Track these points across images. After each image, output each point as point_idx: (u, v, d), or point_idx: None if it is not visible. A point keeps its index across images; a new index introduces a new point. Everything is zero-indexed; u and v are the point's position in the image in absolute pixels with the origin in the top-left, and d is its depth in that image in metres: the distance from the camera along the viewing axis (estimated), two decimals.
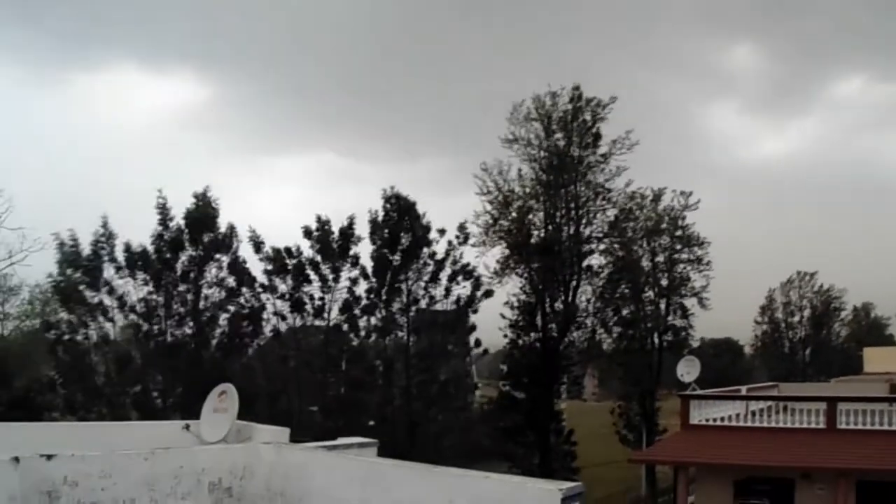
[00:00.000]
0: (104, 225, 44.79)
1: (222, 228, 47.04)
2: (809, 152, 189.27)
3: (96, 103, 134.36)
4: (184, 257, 45.98)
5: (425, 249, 51.48)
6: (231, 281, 47.67)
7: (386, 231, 50.95)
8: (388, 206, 51.43)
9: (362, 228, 50.24)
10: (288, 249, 49.39)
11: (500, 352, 57.39)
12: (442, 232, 51.91)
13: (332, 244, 49.76)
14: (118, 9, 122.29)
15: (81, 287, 44.26)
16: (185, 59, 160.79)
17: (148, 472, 10.80)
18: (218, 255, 46.94)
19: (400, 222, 51.09)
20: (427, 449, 43.49)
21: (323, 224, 49.99)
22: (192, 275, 46.12)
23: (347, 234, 50.11)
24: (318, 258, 49.64)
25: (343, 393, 50.01)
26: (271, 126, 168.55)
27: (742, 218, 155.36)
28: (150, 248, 45.32)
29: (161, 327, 45.72)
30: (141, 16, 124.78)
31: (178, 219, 46.06)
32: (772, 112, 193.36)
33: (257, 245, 48.73)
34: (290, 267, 49.11)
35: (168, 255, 45.57)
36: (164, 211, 45.71)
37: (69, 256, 44.16)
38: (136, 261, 44.80)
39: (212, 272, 46.99)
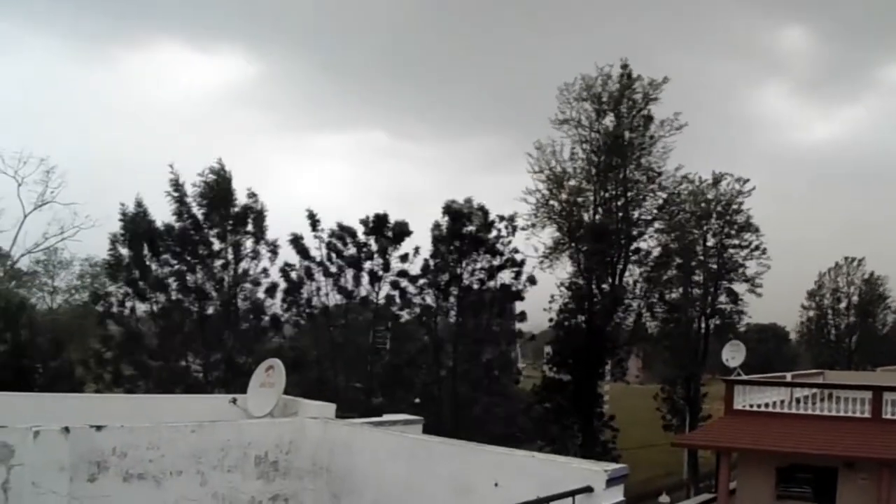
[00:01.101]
0: (139, 204, 44.79)
1: (263, 203, 46.94)
2: (859, 137, 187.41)
3: (143, 81, 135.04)
4: (215, 232, 45.84)
5: (480, 234, 51.48)
6: (277, 258, 47.71)
7: (448, 222, 51.07)
8: (452, 205, 51.56)
9: (419, 206, 50.37)
10: (345, 228, 49.47)
11: (543, 334, 57.23)
12: (499, 218, 52.05)
13: (388, 231, 49.83)
14: None
15: (127, 262, 44.47)
16: (232, 37, 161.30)
17: (195, 445, 10.85)
18: (249, 228, 46.66)
19: (459, 217, 51.13)
20: (471, 429, 43.48)
21: (379, 217, 50.04)
22: (228, 250, 46.05)
23: (403, 227, 50.19)
24: (375, 240, 49.74)
25: (388, 371, 50.13)
26: (319, 104, 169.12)
27: (789, 202, 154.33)
28: (181, 225, 45.26)
29: (199, 304, 45.79)
30: None
31: (192, 194, 45.77)
32: (822, 95, 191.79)
33: (314, 222, 48.81)
34: (345, 245, 49.18)
35: (201, 231, 45.59)
36: (177, 185, 45.12)
37: (119, 232, 44.37)
38: (176, 237, 44.87)
39: (247, 245, 46.87)
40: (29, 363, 43.75)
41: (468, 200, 51.85)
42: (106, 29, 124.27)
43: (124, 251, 44.48)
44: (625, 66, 54.02)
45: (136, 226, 44.39)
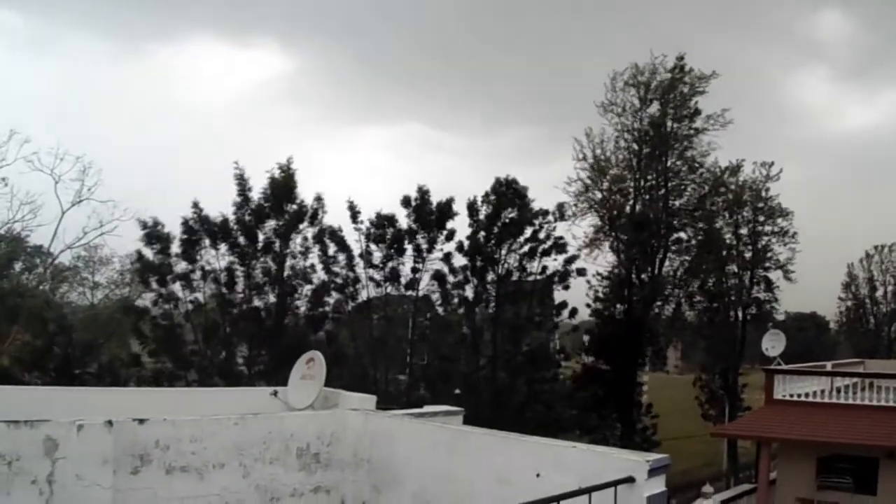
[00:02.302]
0: (195, 204, 45.69)
1: (306, 199, 47.48)
2: None
3: (181, 76, 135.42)
4: (268, 227, 46.44)
5: (524, 226, 51.54)
6: (317, 250, 48.09)
7: (488, 206, 51.12)
8: (497, 186, 51.64)
9: (459, 199, 50.47)
10: (386, 217, 49.65)
11: (584, 324, 57.15)
12: (543, 213, 52.06)
13: (429, 215, 49.93)
14: None
15: (170, 258, 44.99)
16: (268, 30, 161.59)
17: (237, 437, 10.88)
18: (302, 225, 47.31)
19: (501, 200, 51.15)
20: (510, 419, 43.50)
21: (422, 194, 50.22)
22: (275, 244, 46.53)
23: (445, 208, 50.31)
24: (416, 227, 49.85)
25: (430, 362, 50.22)
26: (357, 96, 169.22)
27: (829, 190, 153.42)
28: (232, 219, 45.88)
29: (245, 296, 46.22)
30: None
31: (258, 189, 46.80)
32: (861, 82, 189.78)
33: (354, 214, 49.12)
34: (386, 236, 49.33)
35: (251, 226, 46.07)
36: (242, 182, 46.33)
37: (155, 229, 44.88)
38: (219, 231, 45.34)
39: (297, 241, 47.44)
40: (71, 357, 44.16)
41: (511, 182, 51.89)
42: (142, 25, 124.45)
43: (175, 244, 45.24)
44: (680, 58, 54.18)
45: (188, 220, 45.41)
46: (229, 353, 45.97)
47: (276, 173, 46.94)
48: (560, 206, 52.50)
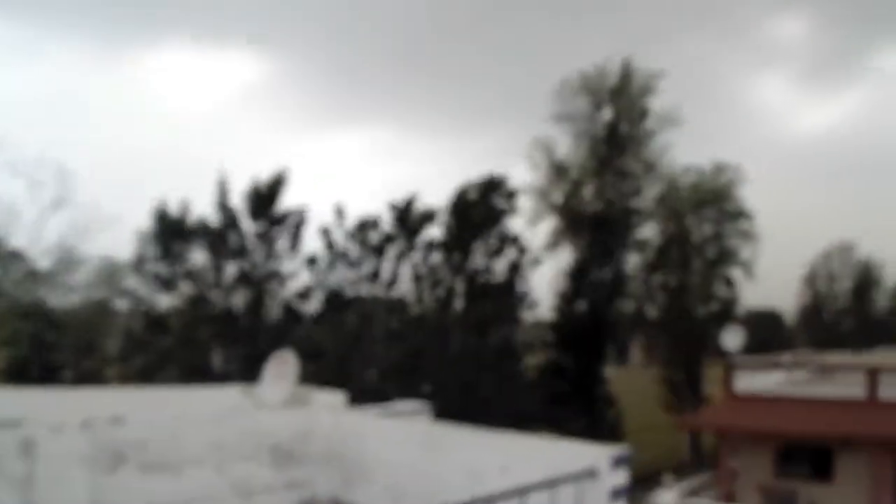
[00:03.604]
0: (176, 204, 45.72)
1: (288, 202, 47.62)
2: (858, 125, 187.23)
3: (160, 81, 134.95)
4: (249, 228, 46.49)
5: (492, 224, 51.79)
6: (296, 251, 48.19)
7: (456, 206, 51.25)
8: (468, 187, 51.81)
9: (427, 201, 50.73)
10: (370, 221, 49.62)
11: (551, 320, 57.39)
12: (507, 212, 52.25)
13: (412, 220, 49.99)
14: None
15: (151, 258, 44.98)
16: (243, 36, 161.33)
17: (213, 435, 10.90)
18: (283, 227, 47.36)
19: (478, 203, 51.36)
20: (478, 411, 43.63)
21: (409, 202, 50.38)
22: (256, 246, 46.59)
23: (429, 216, 50.61)
24: (394, 229, 49.97)
25: (401, 359, 50.31)
26: (330, 101, 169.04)
27: (788, 189, 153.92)
28: (213, 220, 45.88)
29: (223, 296, 46.25)
30: None
31: (238, 192, 46.66)
32: (821, 83, 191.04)
33: (338, 214, 49.31)
34: (365, 239, 49.50)
35: (231, 227, 45.98)
36: (223, 184, 46.19)
37: (148, 227, 45.10)
38: (198, 233, 45.38)
39: (278, 243, 47.46)
40: (51, 358, 44.02)
41: (492, 181, 52.10)
42: (122, 32, 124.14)
43: (153, 246, 45.20)
44: (626, 62, 54.53)
45: (167, 222, 45.46)
46: (206, 352, 45.97)
47: (264, 177, 47.09)
48: (511, 196, 52.58)
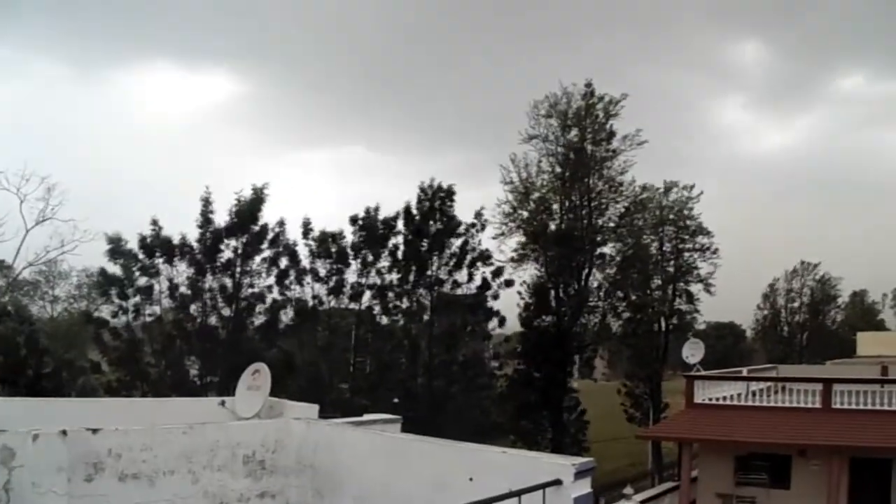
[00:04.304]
0: (154, 221, 45.73)
1: (267, 221, 47.52)
2: (812, 146, 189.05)
3: (137, 100, 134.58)
4: (228, 247, 46.41)
5: (452, 239, 51.87)
6: (272, 266, 48.10)
7: (417, 218, 51.29)
8: (422, 195, 51.92)
9: (396, 217, 50.74)
10: (333, 234, 49.76)
11: (515, 334, 57.48)
12: (471, 226, 52.45)
13: (374, 232, 50.05)
14: (151, 7, 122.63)
15: (131, 272, 44.88)
16: (218, 57, 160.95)
17: (186, 446, 10.84)
18: (261, 245, 47.28)
19: (431, 211, 51.45)
20: (448, 424, 43.63)
21: (367, 212, 50.48)
22: (235, 262, 46.50)
23: (391, 224, 50.64)
24: (360, 243, 49.95)
25: (371, 372, 50.24)
26: (301, 122, 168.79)
27: (746, 208, 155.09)
28: (194, 237, 45.83)
29: (202, 312, 46.10)
30: (176, 16, 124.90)
31: (220, 211, 46.73)
32: (777, 107, 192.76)
33: (306, 231, 49.51)
34: (332, 251, 49.43)
35: (211, 244, 45.94)
36: (206, 203, 46.20)
37: (118, 245, 44.93)
38: (178, 249, 45.28)
39: (256, 260, 47.41)
40: (32, 370, 43.74)
41: (441, 191, 52.20)
42: (102, 52, 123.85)
43: (132, 262, 45.21)
44: (588, 85, 54.93)
45: (149, 237, 45.45)
46: (184, 366, 45.83)
47: (245, 195, 47.17)
48: (478, 213, 53.05)
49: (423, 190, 52.03)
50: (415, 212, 51.61)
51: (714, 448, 34.33)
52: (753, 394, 36.69)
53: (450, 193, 52.14)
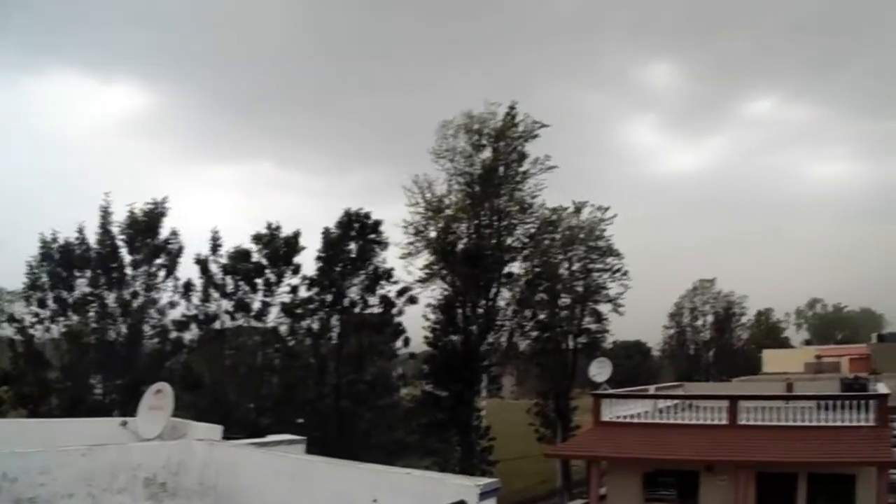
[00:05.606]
0: (54, 232, 44.83)
1: (167, 233, 46.90)
2: (722, 168, 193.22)
3: (42, 108, 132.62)
4: (127, 260, 45.73)
5: (365, 261, 51.67)
6: (173, 282, 47.52)
7: (333, 237, 50.99)
8: (341, 217, 51.66)
9: (305, 237, 50.32)
10: (239, 252, 49.01)
11: (423, 353, 57.40)
12: (378, 245, 52.19)
13: (279, 250, 49.53)
14: (63, 17, 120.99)
15: (40, 285, 44.06)
16: (130, 68, 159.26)
17: (85, 468, 10.63)
18: (162, 259, 46.67)
19: (346, 233, 51.18)
20: (355, 445, 43.42)
21: (272, 230, 49.81)
22: (134, 276, 45.87)
23: (293, 242, 49.97)
24: (266, 261, 49.37)
25: (278, 392, 49.77)
26: (212, 135, 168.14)
27: (655, 227, 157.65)
28: (93, 249, 45.03)
29: (103, 327, 45.34)
30: (88, 26, 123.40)
31: (119, 223, 45.78)
32: (688, 129, 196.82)
33: (214, 247, 48.57)
34: (239, 269, 48.92)
35: (110, 257, 45.18)
36: (106, 215, 45.33)
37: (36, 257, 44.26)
38: (78, 261, 44.55)
39: (156, 274, 46.76)
40: None
41: (360, 215, 51.96)
42: (7, 58, 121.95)
43: (40, 274, 44.17)
44: (512, 107, 55.02)
45: (53, 249, 44.59)
46: (86, 382, 44.99)
47: (144, 207, 46.30)
48: (378, 232, 52.70)
49: (347, 215, 51.73)
50: (333, 231, 51.34)
51: (622, 465, 34.62)
52: (660, 411, 37.04)
53: (366, 216, 51.91)
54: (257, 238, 49.25)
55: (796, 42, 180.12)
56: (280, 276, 49.32)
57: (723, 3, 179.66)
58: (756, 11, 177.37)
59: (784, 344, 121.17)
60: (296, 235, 49.83)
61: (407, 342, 53.13)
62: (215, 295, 48.42)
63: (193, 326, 48.14)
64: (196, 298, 47.89)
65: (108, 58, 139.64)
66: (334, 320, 50.92)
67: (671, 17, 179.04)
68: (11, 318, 45.72)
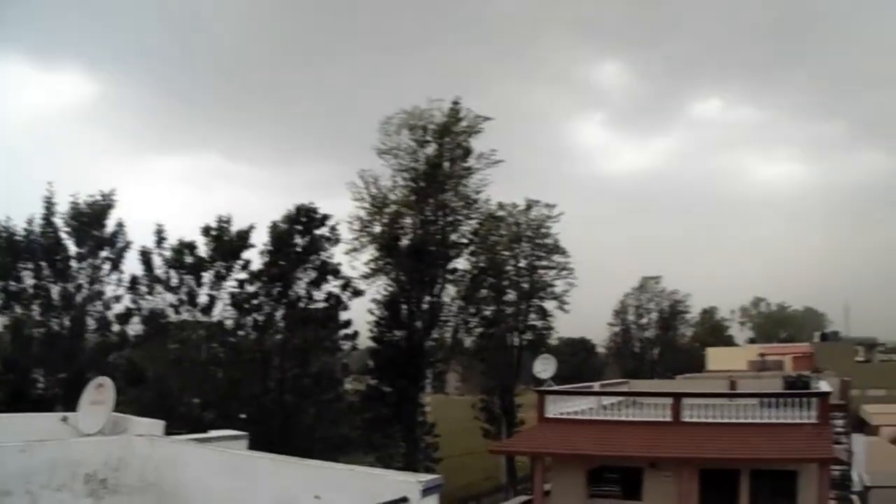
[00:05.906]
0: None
1: (111, 225, 46.51)
2: (669, 167, 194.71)
3: None
4: (72, 252, 45.31)
5: (312, 256, 51.48)
6: (117, 274, 47.14)
7: (280, 230, 50.82)
8: (288, 211, 51.58)
9: (252, 231, 50.05)
10: (186, 244, 48.69)
11: (367, 348, 57.29)
12: (325, 239, 52.00)
13: (229, 243, 49.27)
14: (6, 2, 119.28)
15: None
16: (74, 55, 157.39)
17: (23, 465, 10.47)
18: (105, 251, 46.27)
19: (293, 228, 51.00)
20: (300, 440, 43.25)
21: (222, 223, 49.61)
22: (77, 268, 45.44)
23: (245, 236, 49.80)
24: (214, 254, 49.06)
25: (222, 386, 49.46)
26: (157, 125, 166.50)
27: (600, 225, 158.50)
28: (35, 240, 44.58)
29: (44, 319, 44.88)
30: (30, 10, 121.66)
31: (63, 215, 45.44)
32: (635, 128, 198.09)
33: (159, 240, 48.41)
34: (185, 262, 48.57)
35: (53, 248, 44.77)
36: (49, 205, 44.92)
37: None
38: (19, 252, 44.09)
39: (100, 266, 46.34)
40: None
41: (307, 210, 51.76)
42: None
43: None
44: (456, 103, 54.96)
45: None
46: (28, 375, 44.49)
47: (88, 199, 46.21)
48: (332, 228, 52.63)
49: (297, 209, 51.56)
50: (280, 225, 51.18)
51: (566, 461, 34.65)
52: (605, 408, 37.15)
53: (314, 210, 51.72)
54: (206, 231, 48.91)
55: (744, 44, 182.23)
56: (229, 270, 49.04)
57: (671, 4, 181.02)
58: (704, 13, 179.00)
59: (728, 342, 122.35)
60: (248, 229, 49.62)
61: (355, 335, 53.08)
62: (160, 289, 48.08)
63: (137, 320, 47.76)
64: (140, 291, 47.57)
65: (51, 45, 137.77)
66: (280, 314, 50.72)
67: (619, 18, 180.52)
68: None
